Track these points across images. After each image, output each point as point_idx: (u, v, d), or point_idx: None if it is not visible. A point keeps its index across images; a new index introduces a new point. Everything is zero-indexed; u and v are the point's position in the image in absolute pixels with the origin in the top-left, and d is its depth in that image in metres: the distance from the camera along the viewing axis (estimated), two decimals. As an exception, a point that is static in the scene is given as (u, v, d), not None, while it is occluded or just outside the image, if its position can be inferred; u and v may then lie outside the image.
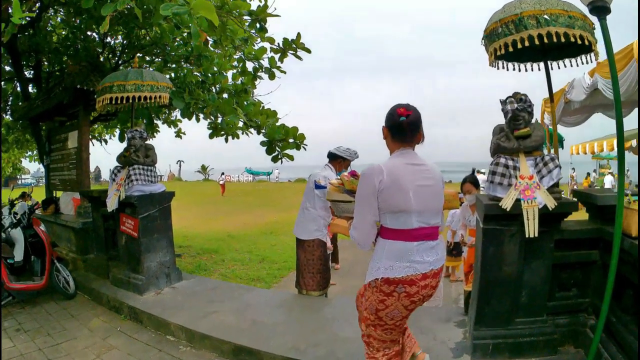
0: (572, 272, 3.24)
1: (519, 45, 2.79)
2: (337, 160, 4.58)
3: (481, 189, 4.80)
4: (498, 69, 3.48)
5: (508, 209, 2.91)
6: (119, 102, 4.84)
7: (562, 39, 2.72)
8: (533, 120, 3.24)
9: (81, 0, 3.46)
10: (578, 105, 6.51)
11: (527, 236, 2.90)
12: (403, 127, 2.19)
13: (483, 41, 3.13)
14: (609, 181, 17.50)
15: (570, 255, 3.19)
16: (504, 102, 3.23)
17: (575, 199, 3.28)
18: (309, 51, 5.44)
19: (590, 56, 3.18)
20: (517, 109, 3.14)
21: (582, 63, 3.27)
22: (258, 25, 5.28)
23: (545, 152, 3.27)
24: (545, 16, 2.74)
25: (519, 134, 3.14)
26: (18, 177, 36.66)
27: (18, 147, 12.13)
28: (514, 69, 3.58)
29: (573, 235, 3.16)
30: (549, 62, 3.38)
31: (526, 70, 3.57)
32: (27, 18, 7.81)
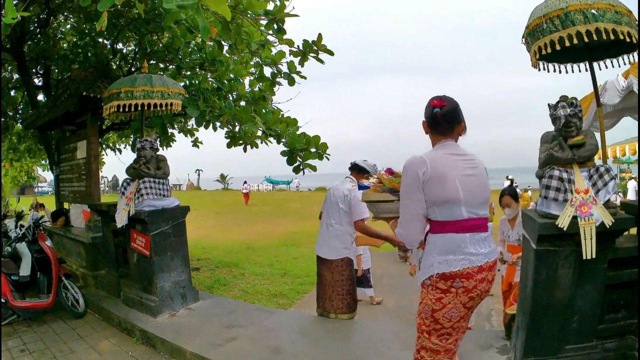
0: (621, 292, 2.93)
1: (567, 43, 2.58)
2: (361, 173, 4.30)
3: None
4: (540, 70, 3.19)
5: (565, 229, 2.61)
6: (127, 109, 4.51)
7: (611, 36, 2.53)
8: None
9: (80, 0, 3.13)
10: (610, 109, 6.08)
11: (584, 257, 2.59)
12: (438, 119, 2.17)
13: (524, 39, 2.93)
14: (632, 187, 16.58)
15: (622, 274, 2.87)
16: (554, 107, 2.92)
17: (631, 215, 2.89)
18: (331, 53, 5.03)
19: (632, 55, 2.98)
20: (569, 115, 2.83)
21: (624, 63, 3.06)
22: (275, 26, 4.91)
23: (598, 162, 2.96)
24: (593, 11, 2.57)
25: (574, 142, 2.83)
26: (34, 185, 36.93)
27: (30, 155, 12.02)
28: (554, 70, 3.25)
29: (627, 253, 2.84)
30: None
31: (566, 72, 3.25)
32: (36, 24, 7.74)
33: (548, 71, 3.26)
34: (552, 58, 3.15)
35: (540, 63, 3.17)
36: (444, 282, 2.06)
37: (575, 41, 2.57)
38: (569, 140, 2.85)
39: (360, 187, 2.92)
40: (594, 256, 2.56)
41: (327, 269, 4.22)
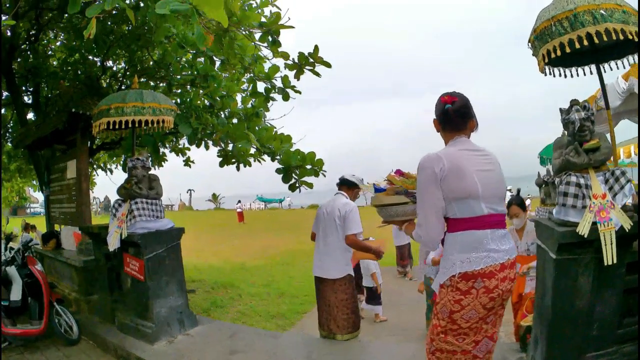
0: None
1: (577, 45, 2.50)
2: (351, 187, 4.29)
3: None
4: (546, 75, 3.09)
5: (586, 235, 2.55)
6: (117, 127, 4.31)
7: (620, 37, 2.46)
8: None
9: (68, 5, 2.99)
10: (611, 112, 5.96)
11: (605, 264, 2.53)
12: (449, 115, 2.15)
13: (530, 43, 2.84)
14: (628, 189, 16.50)
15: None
16: (566, 111, 2.88)
17: None
18: (328, 65, 4.84)
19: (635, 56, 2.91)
20: (583, 118, 2.80)
21: (629, 64, 3.00)
22: (270, 38, 4.73)
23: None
24: (602, 11, 2.50)
25: (589, 146, 2.80)
26: (27, 206, 36.35)
27: (21, 176, 11.81)
28: (560, 75, 3.16)
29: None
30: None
31: (571, 75, 3.17)
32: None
33: (554, 75, 3.14)
34: (556, 62, 3.03)
35: (547, 68, 3.05)
36: (465, 282, 2.00)
37: (585, 43, 2.49)
38: (584, 144, 2.79)
39: (377, 190, 2.78)
40: (614, 262, 2.51)
41: (330, 289, 4.07)
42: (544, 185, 6.42)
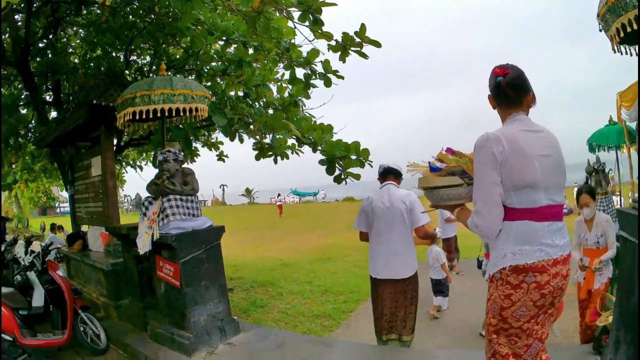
0: None
1: None
2: (398, 177, 3.99)
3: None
4: (622, 54, 2.76)
5: None
6: (144, 116, 3.88)
7: None
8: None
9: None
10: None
11: None
12: (503, 88, 2.01)
13: (600, 18, 2.58)
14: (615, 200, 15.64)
15: None
16: None
17: None
18: (378, 45, 4.29)
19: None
20: None
21: None
22: (311, 17, 4.25)
23: None
24: None
25: None
26: (56, 205, 36.71)
27: (46, 175, 11.68)
28: (631, 55, 2.76)
29: None
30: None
31: (630, 54, 2.78)
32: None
33: (631, 55, 2.76)
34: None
35: (621, 47, 2.70)
36: (515, 276, 1.90)
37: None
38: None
39: (433, 169, 2.39)
40: None
41: (401, 290, 3.75)
42: (594, 174, 5.94)
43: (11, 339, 3.96)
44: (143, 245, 3.93)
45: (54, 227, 11.74)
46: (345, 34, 4.37)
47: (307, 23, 4.25)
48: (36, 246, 5.36)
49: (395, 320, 3.79)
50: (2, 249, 6.37)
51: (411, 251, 3.80)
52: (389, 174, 3.94)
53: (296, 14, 4.39)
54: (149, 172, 10.89)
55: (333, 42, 4.45)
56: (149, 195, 4.19)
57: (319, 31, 4.30)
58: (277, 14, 4.69)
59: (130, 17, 6.36)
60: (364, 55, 4.46)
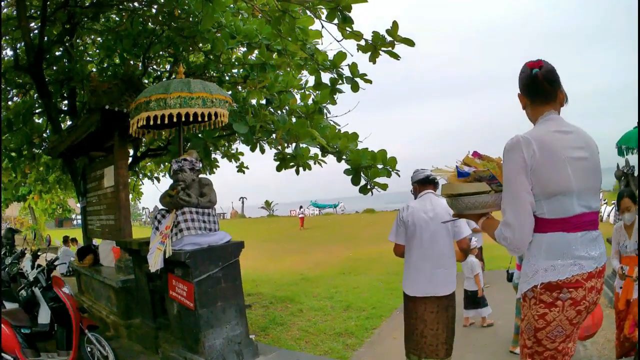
0: None
1: None
2: (435, 186, 3.70)
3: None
4: None
5: None
6: (159, 122, 3.58)
7: None
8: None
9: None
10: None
11: None
12: (539, 81, 1.87)
13: None
14: (607, 213, 15.07)
15: None
16: None
17: None
18: (412, 43, 3.97)
19: None
20: None
21: None
22: (340, 15, 3.94)
23: None
24: None
25: None
26: (73, 217, 36.83)
27: (61, 187, 11.49)
28: None
29: None
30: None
31: None
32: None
33: None
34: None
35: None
36: (549, 293, 1.78)
37: None
38: None
39: (461, 175, 2.09)
40: None
41: (443, 307, 3.44)
42: (622, 178, 5.61)
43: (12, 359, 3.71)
44: (154, 262, 3.61)
45: (67, 240, 11.56)
46: (375, 33, 4.04)
47: (335, 21, 3.96)
48: (43, 260, 5.10)
49: (436, 344, 3.45)
50: (9, 261, 6.15)
51: (454, 265, 3.53)
52: (428, 184, 3.63)
53: (323, 13, 4.14)
54: (166, 184, 10.69)
55: (362, 42, 4.13)
56: (162, 207, 3.88)
57: (348, 30, 3.99)
58: (302, 14, 4.42)
59: (150, 24, 6.19)
60: (396, 56, 4.13)
